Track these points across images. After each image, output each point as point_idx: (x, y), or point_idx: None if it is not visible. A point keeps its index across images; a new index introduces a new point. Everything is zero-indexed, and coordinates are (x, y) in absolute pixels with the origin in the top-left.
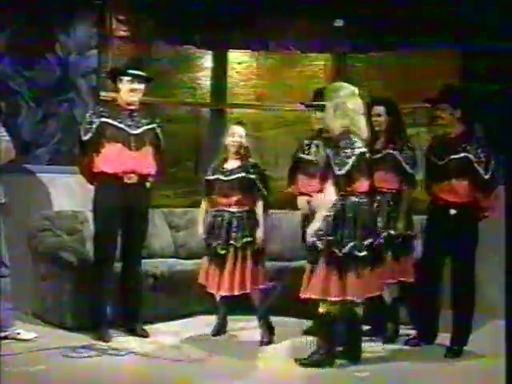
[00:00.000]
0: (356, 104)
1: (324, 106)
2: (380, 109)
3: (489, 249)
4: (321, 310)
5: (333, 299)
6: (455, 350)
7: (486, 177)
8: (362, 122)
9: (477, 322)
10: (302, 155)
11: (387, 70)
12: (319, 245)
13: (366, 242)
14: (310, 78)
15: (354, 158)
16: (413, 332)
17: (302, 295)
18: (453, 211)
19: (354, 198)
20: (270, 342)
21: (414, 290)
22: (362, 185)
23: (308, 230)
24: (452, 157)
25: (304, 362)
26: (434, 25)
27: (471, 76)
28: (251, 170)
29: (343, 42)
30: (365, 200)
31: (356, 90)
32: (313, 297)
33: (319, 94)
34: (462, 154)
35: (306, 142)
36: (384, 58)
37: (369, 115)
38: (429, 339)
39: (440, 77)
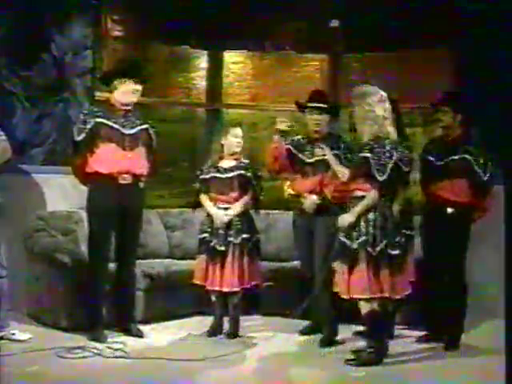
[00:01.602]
0: (384, 109)
1: (324, 108)
2: None
3: (488, 248)
4: (364, 310)
5: (374, 296)
6: (451, 346)
7: (485, 178)
8: (389, 126)
9: (477, 321)
10: (296, 152)
11: (383, 70)
12: (354, 245)
13: (397, 240)
14: (305, 79)
15: (391, 164)
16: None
17: (346, 296)
18: (450, 209)
19: (385, 199)
20: (235, 335)
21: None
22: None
23: (341, 219)
24: (451, 158)
25: (354, 363)
26: (430, 25)
27: (467, 77)
28: (247, 169)
29: (339, 42)
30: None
31: (384, 95)
32: (356, 297)
33: (317, 96)
34: (462, 156)
35: (302, 141)
36: (380, 58)
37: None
38: (441, 338)
39: (436, 77)
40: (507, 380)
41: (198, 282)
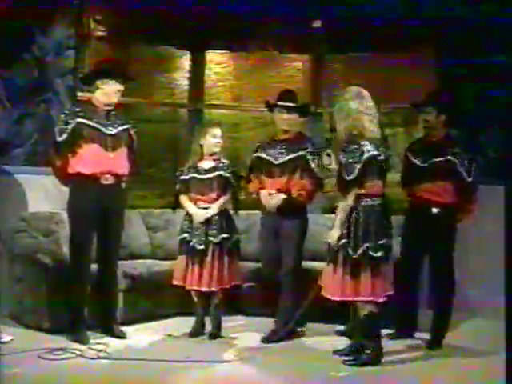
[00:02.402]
0: (361, 104)
1: (293, 107)
2: None
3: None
4: (361, 311)
5: (348, 299)
6: (434, 345)
7: (469, 180)
8: (367, 122)
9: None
10: (263, 155)
11: (365, 70)
12: (335, 247)
13: (380, 243)
14: (288, 79)
15: (362, 162)
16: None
17: (328, 296)
18: (435, 209)
19: (366, 201)
20: (217, 336)
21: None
22: (374, 187)
23: (329, 237)
24: (436, 159)
25: (352, 363)
26: (412, 28)
27: (450, 77)
28: (226, 169)
29: (322, 43)
30: (377, 202)
31: (364, 92)
32: (332, 298)
33: (287, 95)
34: (446, 157)
35: (269, 144)
36: (362, 58)
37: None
38: (407, 334)
39: (418, 77)
40: (507, 380)
41: (177, 283)
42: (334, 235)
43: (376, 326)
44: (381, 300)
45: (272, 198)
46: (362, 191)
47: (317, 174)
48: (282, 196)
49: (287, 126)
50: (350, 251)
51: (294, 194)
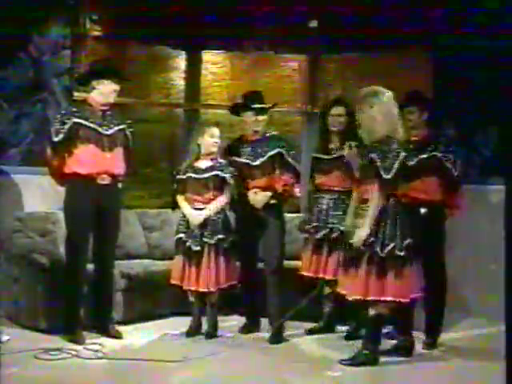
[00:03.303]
0: (396, 109)
1: (266, 108)
2: (342, 109)
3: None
4: (371, 311)
5: (374, 299)
6: (430, 343)
7: (455, 174)
8: (399, 125)
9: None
10: (235, 158)
11: (361, 70)
12: (361, 246)
13: (406, 243)
14: (284, 79)
15: (398, 162)
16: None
17: (349, 297)
18: (423, 210)
19: (394, 200)
20: (213, 335)
21: None
22: (403, 187)
23: (357, 236)
24: (421, 156)
25: (349, 363)
26: (407, 27)
27: (444, 77)
28: (223, 169)
29: (317, 43)
30: (403, 202)
31: (392, 95)
32: (355, 298)
33: (252, 96)
34: (431, 154)
35: (241, 146)
36: (358, 58)
37: (324, 115)
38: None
39: (414, 77)
40: (507, 381)
41: (174, 283)
42: (362, 234)
43: (380, 328)
44: (406, 301)
45: (258, 194)
46: (394, 191)
47: (296, 168)
48: (268, 193)
49: (257, 127)
50: (378, 250)
51: (279, 189)
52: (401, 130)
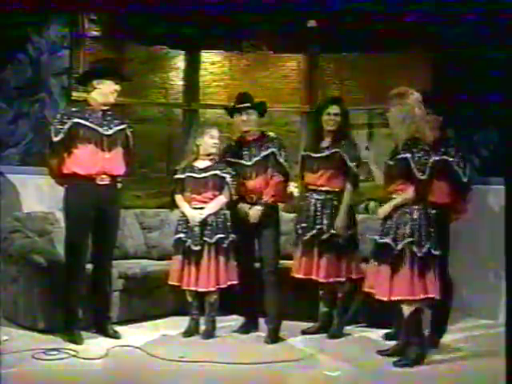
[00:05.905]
0: (422, 110)
1: (250, 108)
2: (337, 108)
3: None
4: (406, 311)
5: (417, 298)
6: (432, 344)
7: (465, 179)
8: (427, 128)
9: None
10: (232, 159)
11: (360, 70)
12: (399, 246)
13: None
14: (282, 79)
15: (431, 163)
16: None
17: (385, 298)
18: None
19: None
20: (211, 335)
21: None
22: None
23: (381, 212)
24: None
25: (404, 363)
26: (406, 28)
27: (443, 77)
28: (222, 169)
29: (316, 43)
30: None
31: (420, 97)
32: (399, 299)
33: (243, 98)
34: (442, 157)
35: (236, 146)
36: (357, 58)
37: (320, 113)
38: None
39: (413, 77)
40: (507, 381)
41: (173, 283)
42: (384, 210)
43: (421, 322)
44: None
45: (251, 211)
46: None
47: (286, 169)
48: (259, 208)
49: (247, 127)
50: (415, 249)
51: (268, 200)
52: (427, 132)
